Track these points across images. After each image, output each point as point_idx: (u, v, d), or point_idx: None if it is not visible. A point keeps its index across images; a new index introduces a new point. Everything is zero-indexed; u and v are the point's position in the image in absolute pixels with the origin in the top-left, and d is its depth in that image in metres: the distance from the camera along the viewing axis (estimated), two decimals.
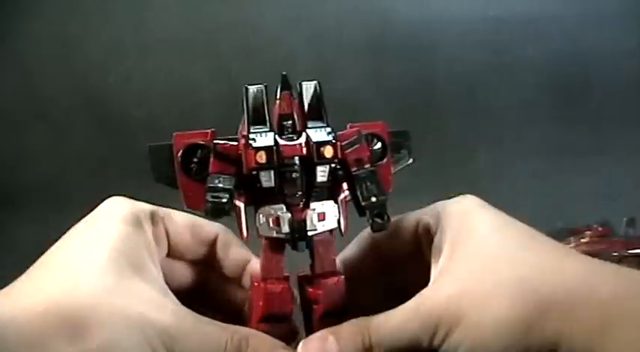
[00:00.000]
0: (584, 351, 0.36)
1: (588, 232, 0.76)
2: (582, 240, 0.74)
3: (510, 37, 1.21)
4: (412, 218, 0.45)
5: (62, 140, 1.14)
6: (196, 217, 0.46)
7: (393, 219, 0.42)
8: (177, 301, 0.41)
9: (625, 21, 1.23)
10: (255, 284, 0.42)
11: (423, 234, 0.45)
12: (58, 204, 0.98)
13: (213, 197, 0.39)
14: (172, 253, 0.46)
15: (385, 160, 0.45)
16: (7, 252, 0.84)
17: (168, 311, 0.39)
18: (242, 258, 0.47)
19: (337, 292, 0.43)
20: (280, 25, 1.20)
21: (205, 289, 0.49)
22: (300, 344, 0.41)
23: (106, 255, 0.40)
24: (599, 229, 0.77)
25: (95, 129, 1.15)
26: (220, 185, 0.40)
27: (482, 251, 0.40)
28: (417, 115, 1.13)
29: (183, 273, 0.48)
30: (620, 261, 0.71)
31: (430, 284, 0.41)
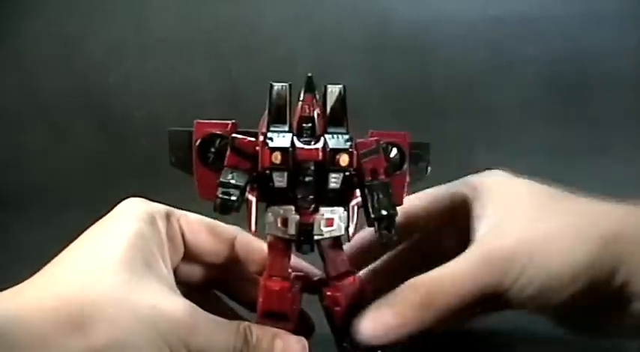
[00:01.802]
0: (635, 284, 0.38)
1: None
2: None
3: (510, 37, 1.21)
4: (444, 191, 0.47)
5: (62, 140, 1.14)
6: (211, 219, 0.47)
7: (424, 191, 0.45)
8: (184, 298, 0.41)
9: (625, 21, 1.23)
10: (261, 282, 0.43)
11: (459, 205, 0.46)
12: (58, 204, 0.98)
13: (223, 193, 0.40)
14: (189, 254, 0.47)
15: (402, 171, 0.45)
16: (7, 252, 0.84)
17: (179, 306, 0.39)
18: (265, 254, 0.47)
19: (355, 290, 0.43)
20: (280, 25, 1.20)
21: (224, 288, 0.50)
22: (355, 323, 0.41)
23: (119, 253, 0.40)
24: None
25: (95, 130, 1.15)
26: (233, 181, 0.40)
27: (530, 205, 0.42)
28: (416, 115, 1.14)
29: (202, 274, 0.48)
30: None
31: (485, 234, 0.41)
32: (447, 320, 0.40)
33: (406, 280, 0.42)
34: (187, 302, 0.41)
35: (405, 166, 0.45)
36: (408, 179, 0.45)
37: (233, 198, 0.40)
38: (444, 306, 0.39)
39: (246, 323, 0.41)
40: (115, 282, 0.39)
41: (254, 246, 0.47)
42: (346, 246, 0.46)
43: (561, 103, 1.19)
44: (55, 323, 0.37)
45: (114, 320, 0.37)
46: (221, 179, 0.40)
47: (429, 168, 0.47)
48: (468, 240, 0.44)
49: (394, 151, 0.45)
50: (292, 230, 0.41)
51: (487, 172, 0.47)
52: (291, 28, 1.19)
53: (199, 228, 0.47)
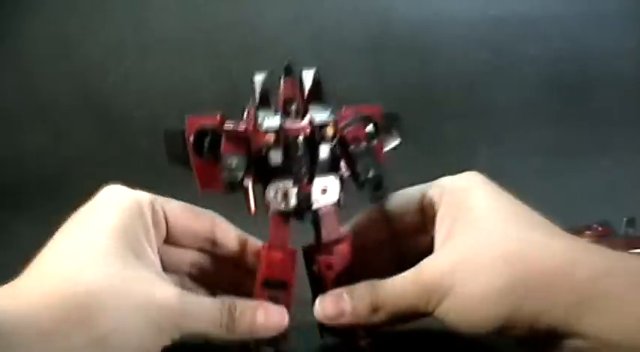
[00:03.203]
0: (562, 327, 0.39)
1: (588, 232, 0.76)
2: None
3: (511, 37, 1.21)
4: (419, 191, 0.49)
5: (62, 140, 1.14)
6: (191, 205, 0.50)
7: (401, 191, 0.48)
8: (171, 282, 0.44)
9: (626, 21, 1.23)
10: (262, 252, 0.47)
11: (427, 207, 0.48)
12: (57, 204, 0.98)
13: (229, 173, 0.44)
14: (170, 239, 0.49)
15: (377, 140, 0.50)
16: (6, 252, 0.84)
17: (170, 293, 0.41)
18: (243, 237, 0.51)
19: (347, 255, 0.48)
20: (280, 25, 1.20)
21: (203, 271, 0.51)
22: (318, 299, 0.46)
23: (109, 243, 0.42)
24: (599, 229, 0.77)
25: (95, 130, 1.15)
26: (234, 163, 0.44)
27: (477, 227, 0.43)
28: (416, 114, 1.13)
29: (181, 257, 0.50)
30: None
31: (431, 255, 0.44)
32: (394, 321, 0.45)
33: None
34: (176, 287, 0.43)
35: (379, 135, 0.50)
36: (383, 148, 0.51)
37: (239, 175, 0.43)
38: (389, 312, 0.44)
39: (229, 298, 0.45)
40: (110, 274, 0.40)
41: (232, 231, 0.51)
42: (357, 219, 0.51)
43: (562, 104, 1.19)
44: (57, 319, 0.37)
45: (112, 310, 0.38)
46: (223, 164, 0.44)
47: (401, 134, 0.52)
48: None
49: (369, 124, 0.49)
50: (293, 201, 0.46)
51: (462, 175, 0.49)
52: (292, 28, 1.19)
53: (182, 213, 0.49)
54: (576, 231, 0.77)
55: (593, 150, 1.10)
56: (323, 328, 0.50)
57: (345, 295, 0.45)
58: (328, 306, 0.45)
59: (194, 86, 1.17)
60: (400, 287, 0.44)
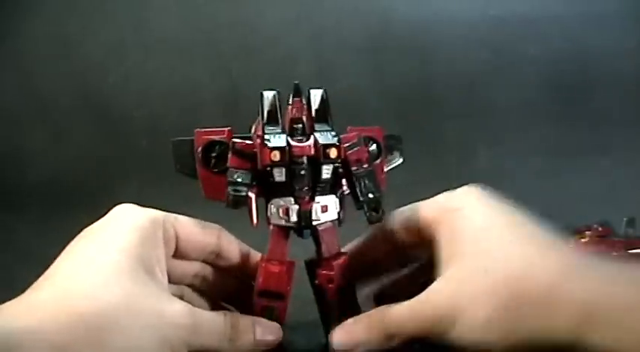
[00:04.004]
0: (570, 341, 0.39)
1: (588, 232, 0.75)
2: (582, 240, 0.74)
3: (511, 37, 1.21)
4: (417, 210, 0.49)
5: (62, 140, 1.14)
6: (199, 220, 0.50)
7: (400, 209, 0.49)
8: (181, 301, 0.44)
9: (625, 21, 1.23)
10: (261, 264, 0.48)
11: (424, 227, 0.48)
12: (58, 204, 0.98)
13: (234, 190, 0.46)
14: (177, 253, 0.49)
15: (379, 161, 0.52)
16: (7, 252, 0.84)
17: (179, 310, 0.42)
18: (245, 249, 0.52)
19: (346, 269, 0.49)
20: (280, 25, 1.20)
21: (206, 282, 0.52)
22: (333, 332, 0.47)
23: (121, 261, 0.42)
24: (599, 229, 0.76)
25: (95, 130, 1.15)
26: (239, 179, 0.46)
27: (476, 249, 0.44)
28: (416, 115, 1.14)
29: (185, 269, 0.51)
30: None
31: (435, 282, 0.45)
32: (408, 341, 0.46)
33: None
34: (184, 303, 0.43)
35: (382, 156, 0.52)
36: (385, 168, 0.53)
37: (243, 193, 0.46)
38: (402, 339, 0.45)
39: (230, 313, 0.46)
40: (122, 292, 0.40)
41: (235, 244, 0.52)
42: (358, 240, 0.52)
43: (562, 104, 1.19)
44: (69, 335, 0.37)
45: (125, 329, 0.39)
46: (229, 179, 0.46)
47: (402, 156, 0.54)
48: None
49: (371, 144, 0.51)
50: (294, 218, 0.47)
51: (458, 191, 0.49)
52: (292, 28, 1.19)
53: (191, 229, 0.49)
54: (577, 231, 0.77)
55: (594, 150, 1.10)
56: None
57: (357, 326, 0.47)
58: (343, 338, 0.47)
59: (194, 86, 1.17)
60: (410, 315, 0.45)
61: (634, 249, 0.73)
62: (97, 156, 1.11)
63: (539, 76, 1.21)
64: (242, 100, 1.04)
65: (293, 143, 0.46)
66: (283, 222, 0.48)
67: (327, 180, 0.47)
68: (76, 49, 1.17)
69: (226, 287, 0.53)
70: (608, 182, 1.00)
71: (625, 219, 0.79)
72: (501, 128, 1.15)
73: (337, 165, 0.47)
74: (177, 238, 0.48)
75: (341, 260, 0.49)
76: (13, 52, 1.16)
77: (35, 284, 0.41)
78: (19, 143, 1.14)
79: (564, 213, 0.85)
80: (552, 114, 1.18)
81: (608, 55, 1.21)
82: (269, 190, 0.48)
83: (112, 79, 1.16)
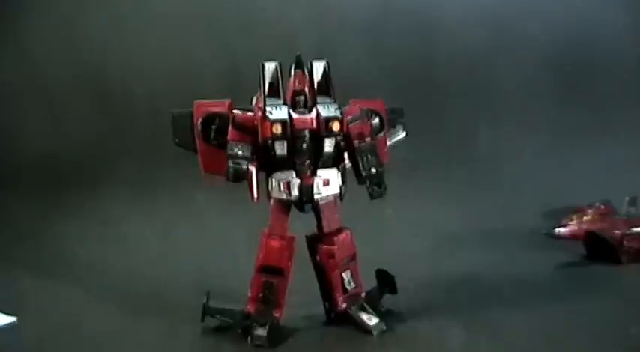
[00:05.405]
0: None
1: (590, 211, 0.75)
2: (584, 219, 0.74)
3: (512, 14, 1.20)
4: None
5: (62, 118, 1.13)
6: None
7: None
8: None
9: (630, 1, 1.22)
10: (261, 239, 0.48)
11: None
12: (57, 181, 0.98)
13: (234, 163, 0.45)
14: None
15: (382, 134, 0.51)
16: (4, 231, 0.84)
17: None
18: None
19: (348, 244, 0.50)
20: (282, 3, 1.18)
21: None
22: None
23: None
24: (601, 208, 0.77)
25: (95, 107, 1.14)
26: (240, 153, 0.45)
27: None
28: (417, 92, 1.13)
29: None
30: (621, 239, 0.71)
31: None
32: None
33: None
34: None
35: (385, 129, 0.52)
36: (388, 141, 0.52)
37: (244, 166, 0.45)
38: None
39: None
40: None
41: None
42: None
43: (564, 83, 1.18)
44: None
45: None
46: (229, 152, 0.45)
47: (405, 129, 0.53)
48: None
49: (374, 117, 0.51)
50: (295, 192, 0.47)
51: None
52: (293, 5, 1.18)
53: None
54: (578, 209, 0.77)
55: (596, 130, 1.09)
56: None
57: None
58: None
59: (195, 63, 1.16)
60: None
61: (635, 227, 0.73)
62: (97, 134, 1.11)
63: (541, 54, 1.20)
64: (243, 78, 1.03)
65: (295, 115, 0.46)
66: (284, 197, 0.47)
67: (329, 153, 0.47)
68: (76, 27, 1.16)
69: None
70: (610, 162, 0.99)
71: (627, 198, 0.79)
72: (503, 106, 1.15)
73: (339, 138, 0.47)
74: None
75: (342, 235, 0.49)
76: (11, 30, 1.15)
77: None
78: (18, 120, 1.13)
79: (566, 192, 0.85)
80: (554, 94, 1.17)
81: (610, 35, 1.20)
82: (270, 164, 0.47)
83: (112, 56, 1.16)
